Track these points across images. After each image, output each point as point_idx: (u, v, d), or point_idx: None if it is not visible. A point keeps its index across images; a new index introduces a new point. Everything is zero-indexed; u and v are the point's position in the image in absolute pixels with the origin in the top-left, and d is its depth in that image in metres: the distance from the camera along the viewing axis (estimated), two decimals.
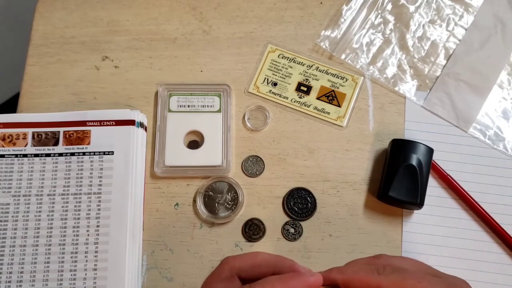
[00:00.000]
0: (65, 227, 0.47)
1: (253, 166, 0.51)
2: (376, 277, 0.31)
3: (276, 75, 0.54)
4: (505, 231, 0.48)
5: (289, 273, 0.32)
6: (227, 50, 0.55)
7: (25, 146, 0.50)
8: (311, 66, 0.54)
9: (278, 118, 0.52)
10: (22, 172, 0.49)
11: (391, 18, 0.56)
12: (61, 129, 0.50)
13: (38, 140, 0.50)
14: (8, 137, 0.50)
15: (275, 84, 0.53)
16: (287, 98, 0.53)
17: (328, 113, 0.52)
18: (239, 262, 0.33)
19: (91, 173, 0.49)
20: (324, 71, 0.54)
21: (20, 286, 0.45)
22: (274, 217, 0.49)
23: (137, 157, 0.49)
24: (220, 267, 0.33)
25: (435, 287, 0.30)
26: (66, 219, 0.47)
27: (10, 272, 0.46)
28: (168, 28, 0.56)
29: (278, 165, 0.51)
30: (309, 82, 0.53)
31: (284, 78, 0.54)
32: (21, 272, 0.46)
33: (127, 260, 0.46)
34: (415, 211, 0.49)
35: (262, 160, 0.51)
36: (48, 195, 0.48)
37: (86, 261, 0.46)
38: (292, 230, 0.49)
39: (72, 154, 0.49)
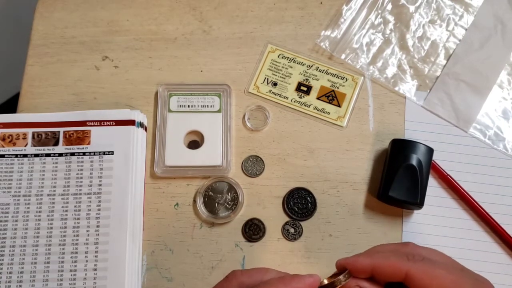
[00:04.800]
0: (65, 227, 0.47)
1: (253, 166, 0.51)
2: (406, 263, 0.30)
3: (276, 75, 0.54)
4: (505, 231, 0.48)
5: (289, 274, 0.32)
6: (227, 50, 0.55)
7: (25, 146, 0.50)
8: (311, 66, 0.54)
9: (278, 118, 0.52)
10: (22, 172, 0.49)
11: (391, 18, 0.56)
12: (61, 129, 0.50)
13: (38, 140, 0.50)
14: (8, 137, 0.50)
15: (275, 84, 0.53)
16: (287, 98, 0.53)
17: (328, 113, 0.52)
18: (247, 278, 0.32)
19: (91, 173, 0.49)
20: (324, 71, 0.54)
21: (20, 286, 0.45)
22: (274, 217, 0.49)
23: (137, 157, 0.49)
24: (228, 282, 0.32)
25: (464, 280, 0.30)
26: (66, 219, 0.47)
27: (10, 272, 0.46)
28: (168, 28, 0.56)
29: (278, 165, 0.51)
30: (309, 82, 0.53)
31: (284, 78, 0.54)
32: (21, 272, 0.46)
33: (127, 260, 0.46)
34: (415, 211, 0.49)
35: (262, 160, 0.51)
36: (48, 195, 0.48)
37: (86, 261, 0.46)
38: (292, 230, 0.49)
39: (72, 154, 0.49)
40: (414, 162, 0.47)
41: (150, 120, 0.52)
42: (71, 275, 0.46)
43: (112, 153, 0.49)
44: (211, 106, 0.52)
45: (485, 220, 0.49)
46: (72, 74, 0.54)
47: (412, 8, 0.56)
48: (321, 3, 0.57)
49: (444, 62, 0.54)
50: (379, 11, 0.56)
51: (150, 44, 0.55)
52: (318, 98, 0.53)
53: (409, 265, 0.30)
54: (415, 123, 0.52)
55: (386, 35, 0.55)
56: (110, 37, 0.56)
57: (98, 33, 0.56)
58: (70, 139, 0.50)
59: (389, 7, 0.56)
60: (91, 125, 0.50)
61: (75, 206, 0.48)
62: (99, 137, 0.50)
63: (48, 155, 0.49)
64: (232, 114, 0.52)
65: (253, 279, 0.32)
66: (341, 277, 0.32)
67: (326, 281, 0.32)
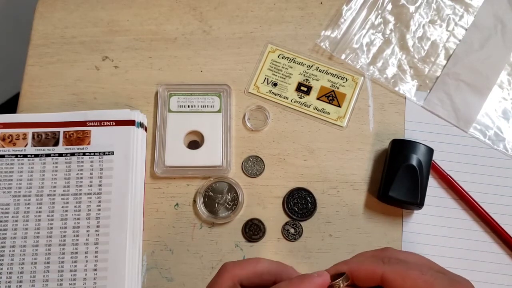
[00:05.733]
0: (65, 227, 0.47)
1: (253, 166, 0.51)
2: (381, 266, 0.31)
3: (276, 75, 0.54)
4: (505, 231, 0.48)
5: (297, 276, 0.31)
6: (227, 50, 0.55)
7: (25, 146, 0.50)
8: (311, 66, 0.54)
9: (278, 118, 0.52)
10: (22, 172, 0.49)
11: (391, 18, 0.56)
12: (61, 129, 0.50)
13: (38, 140, 0.50)
14: (8, 137, 0.50)
15: (275, 84, 0.53)
16: (287, 98, 0.53)
17: (328, 113, 0.52)
18: (239, 270, 0.32)
19: (91, 173, 0.49)
20: (324, 71, 0.54)
21: (20, 286, 0.45)
22: (274, 217, 0.49)
23: (137, 157, 0.49)
24: (220, 276, 0.32)
25: (438, 280, 0.30)
26: (66, 219, 0.47)
27: (10, 272, 0.46)
28: (168, 28, 0.56)
29: (278, 165, 0.51)
30: (309, 82, 0.53)
31: (284, 78, 0.54)
32: (21, 272, 0.46)
33: (127, 260, 0.46)
34: (415, 211, 0.49)
35: (262, 160, 0.51)
36: (48, 195, 0.48)
37: (86, 261, 0.46)
38: (292, 230, 0.49)
39: (72, 154, 0.49)
40: (414, 162, 0.47)
41: (150, 120, 0.52)
42: (71, 275, 0.46)
43: (112, 153, 0.49)
44: (211, 106, 0.52)
45: (485, 220, 0.49)
46: (72, 74, 0.54)
47: (412, 8, 0.56)
48: (321, 3, 0.57)
49: (444, 62, 0.54)
50: (379, 11, 0.56)
51: (150, 44, 0.55)
52: (318, 98, 0.53)
53: (384, 268, 0.31)
54: (415, 123, 0.52)
55: (386, 35, 0.55)
56: (110, 37, 0.56)
57: (98, 33, 0.56)
58: (70, 139, 0.50)
59: (389, 7, 0.56)
60: (91, 125, 0.50)
61: (75, 206, 0.48)
62: (99, 137, 0.50)
63: (48, 155, 0.49)
64: (232, 114, 0.52)
65: (246, 270, 0.32)
66: (339, 281, 0.32)
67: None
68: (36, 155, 0.49)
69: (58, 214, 0.47)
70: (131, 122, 0.50)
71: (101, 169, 0.49)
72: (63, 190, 0.48)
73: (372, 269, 0.31)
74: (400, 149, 0.48)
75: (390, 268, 0.31)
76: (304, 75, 0.54)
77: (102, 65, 0.55)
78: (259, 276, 0.32)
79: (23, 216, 0.47)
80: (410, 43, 0.55)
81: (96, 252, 0.46)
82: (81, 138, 0.50)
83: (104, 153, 0.49)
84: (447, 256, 0.48)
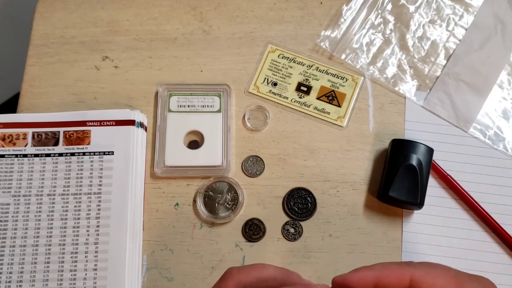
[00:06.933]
0: (65, 227, 0.47)
1: (253, 166, 0.51)
2: (409, 269, 0.30)
3: (276, 75, 0.54)
4: (505, 231, 0.48)
5: (300, 284, 0.31)
6: (227, 50, 0.55)
7: (25, 146, 0.50)
8: (311, 66, 0.54)
9: (278, 118, 0.52)
10: (22, 172, 0.49)
11: (391, 18, 0.56)
12: (61, 129, 0.50)
13: (38, 140, 0.50)
14: (8, 137, 0.50)
15: (275, 84, 0.53)
16: (287, 98, 0.53)
17: (328, 113, 0.52)
18: (244, 276, 0.31)
19: (91, 173, 0.49)
20: (324, 71, 0.54)
21: (20, 286, 0.45)
22: (274, 217, 0.49)
23: (137, 157, 0.49)
24: (224, 281, 0.31)
25: (462, 274, 0.30)
26: (66, 219, 0.47)
27: (10, 272, 0.46)
28: (168, 28, 0.56)
29: (278, 165, 0.51)
30: (309, 82, 0.53)
31: (284, 78, 0.54)
32: (21, 272, 0.46)
33: (127, 260, 0.46)
34: (415, 211, 0.49)
35: (262, 160, 0.51)
36: (48, 195, 0.48)
37: (86, 261, 0.46)
38: (292, 230, 0.49)
39: (72, 154, 0.49)
40: (414, 162, 0.47)
41: (150, 120, 0.52)
42: (71, 275, 0.46)
43: (112, 153, 0.49)
44: (211, 106, 0.52)
45: (485, 220, 0.49)
46: (72, 74, 0.55)
47: (412, 8, 0.56)
48: (321, 3, 0.57)
49: (444, 62, 0.54)
50: (379, 11, 0.56)
51: (150, 44, 0.55)
52: (318, 98, 0.53)
53: (412, 270, 0.30)
54: (415, 123, 0.52)
55: (386, 35, 0.55)
56: (110, 37, 0.56)
57: (98, 33, 0.56)
58: (70, 139, 0.50)
59: (389, 7, 0.56)
60: (91, 125, 0.50)
61: (75, 206, 0.48)
62: (99, 137, 0.50)
63: (48, 155, 0.49)
64: (232, 114, 0.52)
65: (250, 277, 0.31)
66: None
67: None
68: (36, 155, 0.49)
69: (58, 214, 0.47)
70: (131, 122, 0.50)
71: (101, 169, 0.49)
72: (63, 190, 0.48)
73: (401, 272, 0.30)
74: (400, 149, 0.48)
75: (417, 269, 0.30)
76: (304, 75, 0.54)
77: (102, 65, 0.55)
78: (264, 282, 0.31)
79: (23, 216, 0.47)
80: (410, 43, 0.55)
81: (96, 252, 0.46)
82: (81, 138, 0.50)
83: (104, 153, 0.49)
84: (447, 256, 0.48)
